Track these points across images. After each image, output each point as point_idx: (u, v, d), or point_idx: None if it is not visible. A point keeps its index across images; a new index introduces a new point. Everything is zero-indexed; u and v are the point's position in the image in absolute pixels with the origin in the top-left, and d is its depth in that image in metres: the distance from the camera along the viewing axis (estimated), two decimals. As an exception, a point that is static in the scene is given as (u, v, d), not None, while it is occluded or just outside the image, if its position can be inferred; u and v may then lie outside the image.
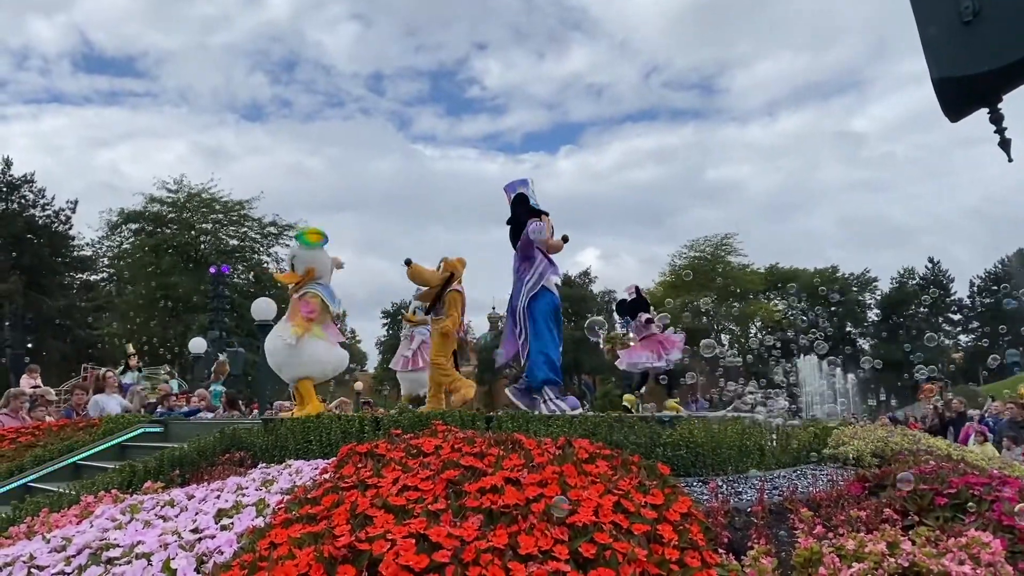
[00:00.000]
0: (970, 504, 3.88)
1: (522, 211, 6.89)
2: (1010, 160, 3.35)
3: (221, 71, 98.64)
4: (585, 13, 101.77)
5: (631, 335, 10.73)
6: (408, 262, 7.64)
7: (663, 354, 10.12)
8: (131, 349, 19.78)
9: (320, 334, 7.55)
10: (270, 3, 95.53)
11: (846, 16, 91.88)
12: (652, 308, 10.57)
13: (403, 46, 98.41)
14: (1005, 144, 3.32)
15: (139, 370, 17.79)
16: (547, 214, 6.94)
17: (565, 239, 6.88)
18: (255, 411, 17.10)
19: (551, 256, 6.94)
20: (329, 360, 7.73)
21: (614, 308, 11.43)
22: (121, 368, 16.97)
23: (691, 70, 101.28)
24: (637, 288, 10.82)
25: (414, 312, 10.60)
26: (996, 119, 3.27)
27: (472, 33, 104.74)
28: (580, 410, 6.65)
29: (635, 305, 10.55)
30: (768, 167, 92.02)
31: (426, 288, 7.89)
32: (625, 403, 10.74)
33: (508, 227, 7.06)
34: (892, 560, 3.11)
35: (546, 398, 6.64)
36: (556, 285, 7.09)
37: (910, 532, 3.48)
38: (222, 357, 19.36)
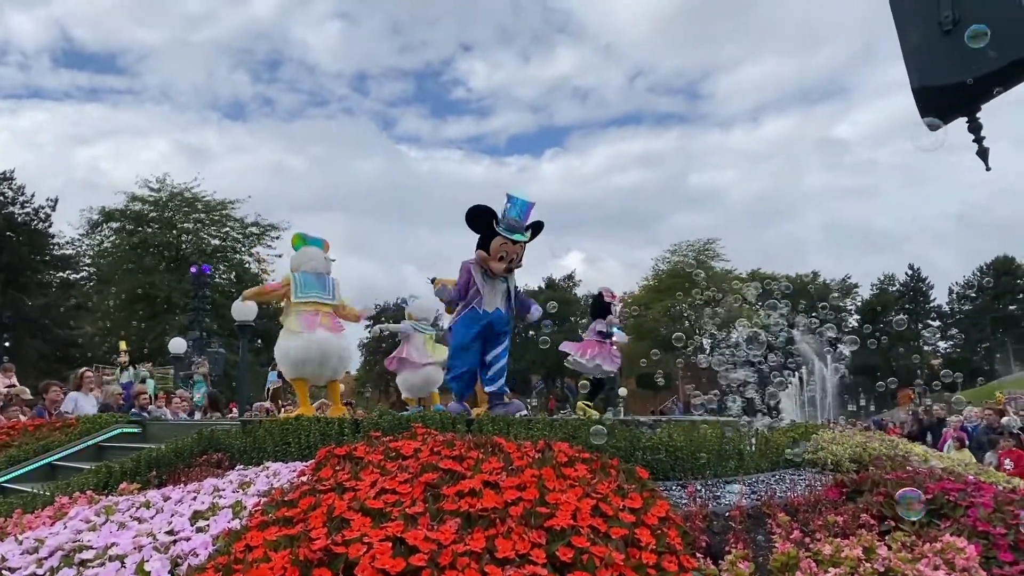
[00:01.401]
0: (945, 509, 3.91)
1: (482, 224, 6.85)
2: (988, 169, 3.38)
3: (204, 69, 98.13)
4: (570, 16, 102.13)
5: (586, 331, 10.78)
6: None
7: (589, 354, 10.14)
8: (123, 346, 19.56)
9: (294, 327, 7.50)
10: (255, 0, 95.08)
11: (831, 23, 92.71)
12: (610, 315, 10.55)
13: (388, 46, 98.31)
14: (983, 153, 3.36)
15: (131, 367, 17.60)
16: (515, 242, 6.89)
17: (509, 270, 6.93)
18: (234, 409, 17.04)
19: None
20: (303, 357, 7.55)
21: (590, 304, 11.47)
22: (118, 368, 16.82)
23: (676, 75, 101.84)
24: (600, 293, 10.86)
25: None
26: (975, 128, 3.31)
27: (458, 34, 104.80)
28: (524, 413, 6.68)
29: (600, 306, 10.59)
30: (752, 173, 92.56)
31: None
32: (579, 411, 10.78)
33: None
34: (868, 565, 3.13)
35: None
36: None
37: (887, 537, 3.50)
38: (201, 358, 19.23)
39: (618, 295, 11.14)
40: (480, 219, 6.75)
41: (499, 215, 6.74)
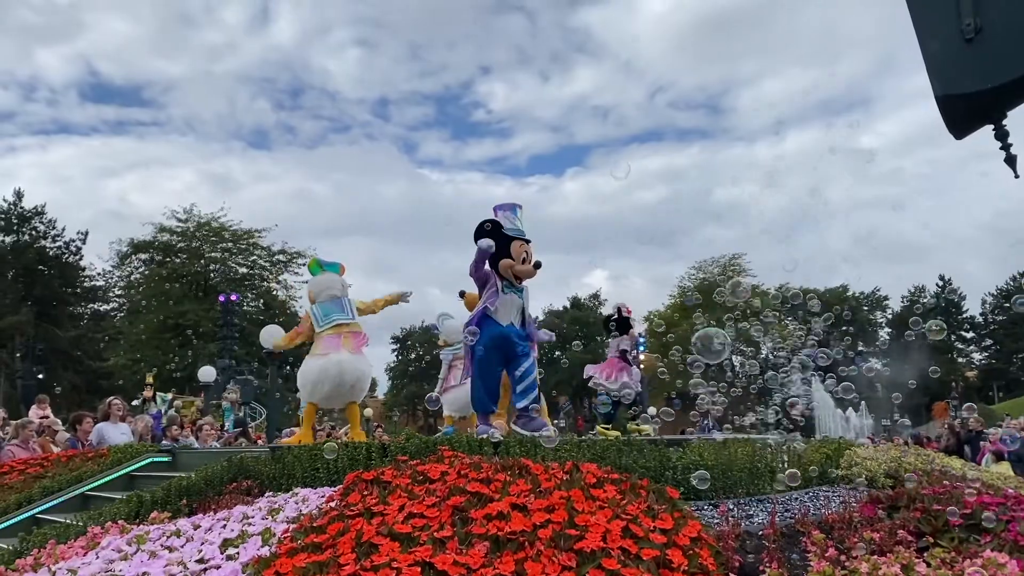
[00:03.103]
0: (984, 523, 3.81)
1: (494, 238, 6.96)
2: (1016, 176, 3.33)
3: (227, 99, 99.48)
4: (588, 35, 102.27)
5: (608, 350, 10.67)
6: (462, 294, 7.77)
7: (614, 376, 10.04)
8: (150, 379, 19.84)
9: (316, 351, 7.62)
10: (275, 30, 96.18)
11: (853, 33, 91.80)
12: (631, 331, 10.48)
13: (408, 70, 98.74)
14: (1011, 160, 3.30)
15: (153, 399, 17.80)
16: (528, 241, 6.99)
17: (537, 266, 6.92)
18: (259, 441, 17.13)
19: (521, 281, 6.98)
20: (320, 378, 7.77)
21: (603, 321, 11.36)
22: (140, 400, 17.04)
23: (697, 89, 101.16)
24: (619, 308, 10.79)
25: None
26: (1001, 135, 3.26)
27: (476, 56, 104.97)
28: (545, 432, 6.64)
29: (620, 324, 10.49)
30: (776, 186, 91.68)
31: None
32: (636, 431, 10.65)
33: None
34: (907, 583, 3.06)
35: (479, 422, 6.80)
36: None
37: (925, 554, 3.43)
38: (232, 387, 19.41)
39: (635, 311, 11.08)
40: (490, 235, 6.85)
41: (503, 224, 6.90)
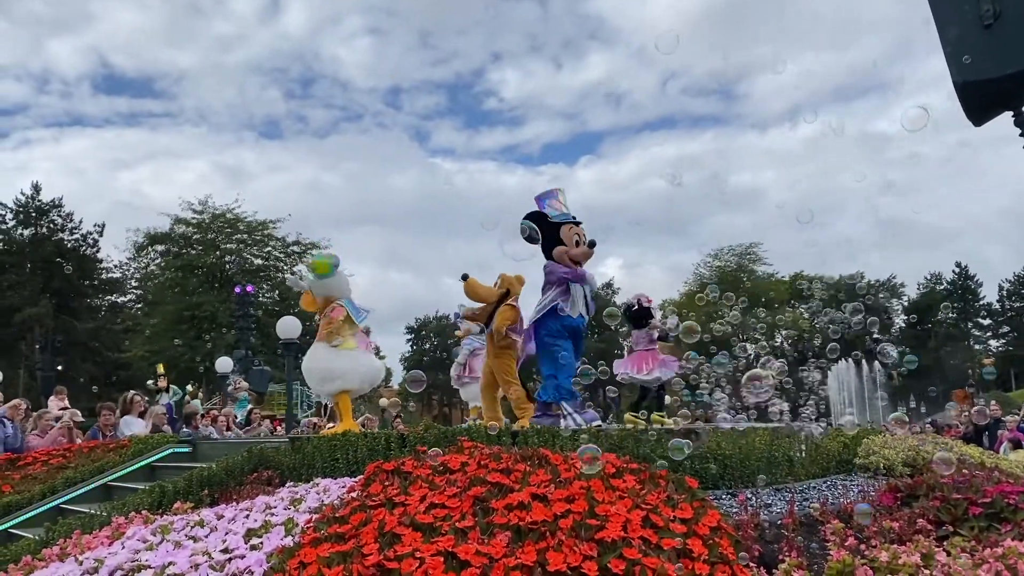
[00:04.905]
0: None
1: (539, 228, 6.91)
2: (1036, 163, 3.30)
3: (238, 89, 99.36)
4: (601, 21, 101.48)
5: (631, 343, 10.56)
6: (465, 277, 7.61)
7: (645, 369, 9.96)
8: (161, 369, 20.00)
9: (352, 345, 7.67)
10: (286, 19, 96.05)
11: (867, 18, 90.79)
12: (655, 319, 10.40)
13: (419, 58, 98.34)
14: (1031, 146, 3.28)
15: (166, 390, 17.95)
16: (579, 223, 6.93)
17: (592, 244, 6.86)
18: (277, 428, 17.27)
19: (578, 267, 6.90)
20: (364, 369, 7.82)
21: (622, 311, 11.24)
22: (156, 390, 17.19)
23: (710, 76, 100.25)
24: (639, 300, 10.70)
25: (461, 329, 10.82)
26: (1021, 122, 3.24)
27: (488, 43, 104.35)
28: (598, 423, 6.61)
29: (639, 314, 10.40)
30: (791, 172, 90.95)
31: (481, 305, 7.77)
32: (627, 423, 10.59)
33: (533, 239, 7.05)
34: (927, 572, 3.06)
35: (564, 412, 6.64)
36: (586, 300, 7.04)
37: (944, 543, 3.43)
38: (234, 378, 19.55)
39: (655, 301, 10.97)
40: (536, 224, 6.79)
41: (547, 213, 6.83)
